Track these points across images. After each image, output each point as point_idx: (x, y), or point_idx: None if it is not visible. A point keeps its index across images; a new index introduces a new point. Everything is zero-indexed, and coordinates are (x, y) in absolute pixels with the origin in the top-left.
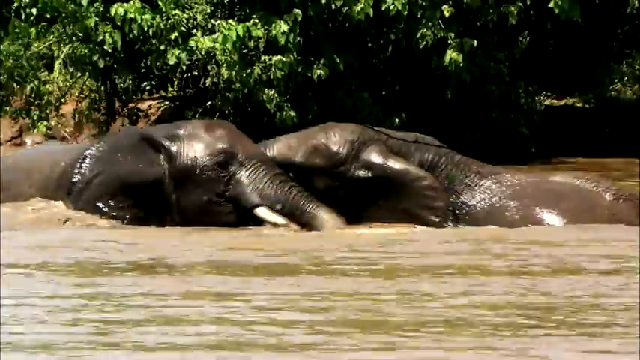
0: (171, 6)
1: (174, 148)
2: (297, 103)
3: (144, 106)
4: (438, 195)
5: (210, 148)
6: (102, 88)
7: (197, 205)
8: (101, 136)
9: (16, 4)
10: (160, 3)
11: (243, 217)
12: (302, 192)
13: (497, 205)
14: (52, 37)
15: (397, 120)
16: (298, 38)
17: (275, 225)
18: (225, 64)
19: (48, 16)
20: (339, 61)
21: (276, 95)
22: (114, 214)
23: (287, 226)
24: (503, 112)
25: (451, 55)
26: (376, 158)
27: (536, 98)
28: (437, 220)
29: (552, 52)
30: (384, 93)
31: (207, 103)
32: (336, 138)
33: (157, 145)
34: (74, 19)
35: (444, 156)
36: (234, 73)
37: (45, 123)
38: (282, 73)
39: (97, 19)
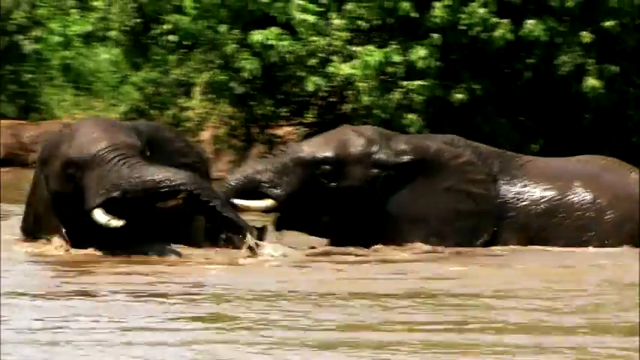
0: (310, 32)
1: None
2: (436, 128)
3: (281, 132)
4: (477, 168)
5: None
6: (240, 114)
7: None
8: (239, 162)
9: (155, 32)
10: (298, 30)
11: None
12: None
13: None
14: (190, 63)
15: (535, 146)
16: (437, 63)
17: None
18: (364, 90)
19: (187, 43)
20: (476, 86)
21: (417, 120)
22: None
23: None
24: None
25: (590, 81)
26: (409, 143)
27: None
28: (482, 192)
29: None
30: (521, 119)
31: None
32: (363, 130)
33: None
34: (213, 45)
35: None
36: (373, 98)
37: None
38: (422, 97)
39: (235, 45)
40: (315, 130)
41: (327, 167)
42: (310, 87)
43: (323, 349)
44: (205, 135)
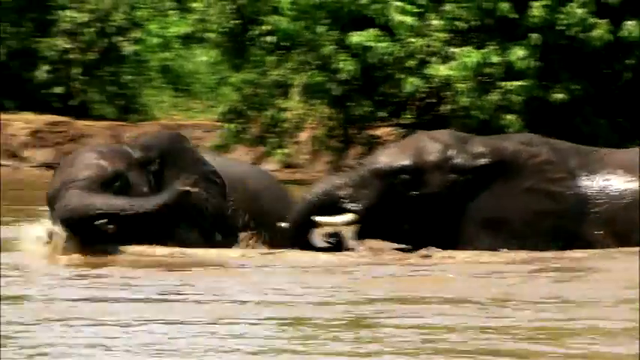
0: (408, 33)
1: None
2: (535, 129)
3: (379, 133)
4: (555, 167)
5: None
6: (338, 115)
7: None
8: (337, 163)
9: (253, 33)
10: (396, 31)
11: None
12: None
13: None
14: (288, 65)
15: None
16: (536, 63)
17: None
18: (462, 91)
19: (285, 44)
20: (575, 87)
21: (516, 121)
22: None
23: None
24: None
25: None
26: (486, 145)
27: None
28: (562, 190)
29: None
30: (620, 120)
31: None
32: (438, 135)
33: None
34: (311, 47)
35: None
36: (471, 99)
37: (281, 150)
38: (521, 98)
39: (333, 47)
40: (412, 130)
41: (406, 176)
42: (408, 88)
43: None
44: (303, 136)
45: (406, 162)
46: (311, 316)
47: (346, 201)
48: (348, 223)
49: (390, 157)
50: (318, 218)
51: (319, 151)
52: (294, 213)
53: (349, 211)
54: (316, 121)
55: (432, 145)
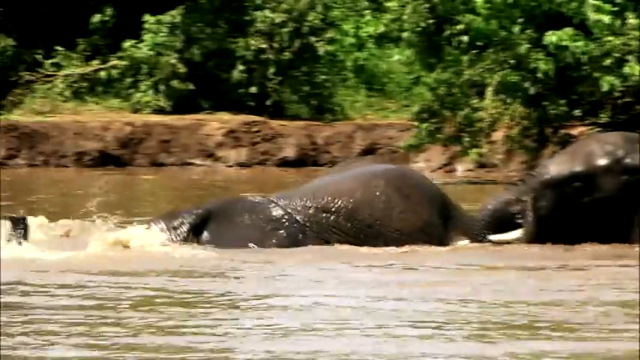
0: (605, 32)
1: None
2: None
3: (575, 132)
4: None
5: None
6: (533, 114)
7: None
8: (531, 162)
9: (448, 33)
10: (593, 30)
11: None
12: None
13: None
14: (483, 64)
15: None
16: None
17: None
18: None
19: (479, 43)
20: None
21: None
22: None
23: None
24: None
25: None
26: None
27: None
28: None
29: None
30: None
31: None
32: (606, 138)
33: None
34: (506, 46)
35: None
36: None
37: (476, 150)
38: None
39: (529, 46)
40: (609, 129)
41: (578, 184)
42: (605, 87)
43: None
44: (498, 135)
45: (577, 169)
46: None
47: (519, 216)
48: (522, 238)
49: (560, 165)
50: (493, 237)
51: (514, 150)
52: (468, 234)
53: (523, 225)
54: (511, 121)
55: (601, 148)
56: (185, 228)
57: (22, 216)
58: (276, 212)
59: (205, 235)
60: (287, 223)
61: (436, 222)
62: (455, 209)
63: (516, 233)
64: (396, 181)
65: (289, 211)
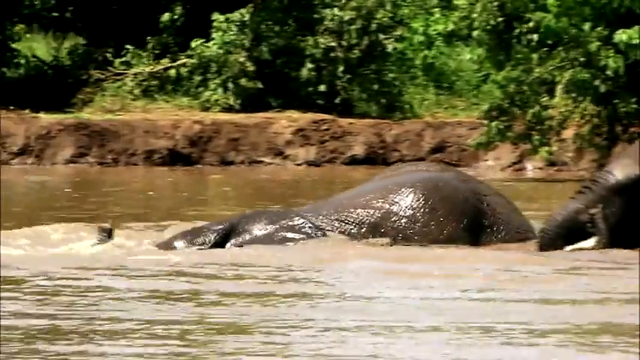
0: None
1: None
2: None
3: None
4: None
5: None
6: (603, 112)
7: None
8: (602, 160)
9: (518, 31)
10: None
11: None
12: None
13: None
14: (553, 62)
15: None
16: None
17: None
18: None
19: (549, 41)
20: None
21: None
22: None
23: None
24: None
25: None
26: None
27: None
28: None
29: None
30: None
31: None
32: None
33: None
34: (576, 44)
35: None
36: None
37: (546, 148)
38: None
39: (599, 43)
40: None
41: None
42: None
43: None
44: (568, 134)
45: None
46: None
47: (590, 225)
48: (597, 246)
49: (626, 169)
50: (567, 248)
51: (584, 148)
52: (540, 246)
53: (595, 234)
54: (581, 119)
55: None
56: (208, 244)
57: (109, 227)
58: (299, 222)
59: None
60: (310, 233)
61: (462, 235)
62: (495, 217)
63: (590, 242)
64: (425, 193)
65: (312, 221)
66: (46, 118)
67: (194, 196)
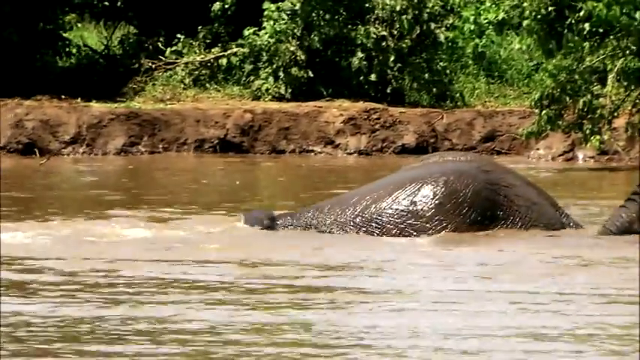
0: None
1: None
2: None
3: None
4: None
5: None
6: None
7: None
8: None
9: (569, 20)
10: None
11: None
12: None
13: None
14: (605, 50)
15: None
16: None
17: None
18: None
19: (601, 30)
20: None
21: None
22: None
23: None
24: None
25: None
26: None
27: None
28: None
29: None
30: None
31: None
32: None
33: None
34: (628, 33)
35: None
36: None
37: (597, 137)
38: None
39: None
40: None
41: None
42: None
43: None
44: (619, 122)
45: None
46: None
47: None
48: None
49: None
50: None
51: (635, 137)
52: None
53: None
54: (633, 108)
55: None
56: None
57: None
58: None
59: None
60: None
61: (467, 229)
62: (512, 209)
63: None
64: (437, 187)
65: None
66: (97, 107)
67: (269, 185)
